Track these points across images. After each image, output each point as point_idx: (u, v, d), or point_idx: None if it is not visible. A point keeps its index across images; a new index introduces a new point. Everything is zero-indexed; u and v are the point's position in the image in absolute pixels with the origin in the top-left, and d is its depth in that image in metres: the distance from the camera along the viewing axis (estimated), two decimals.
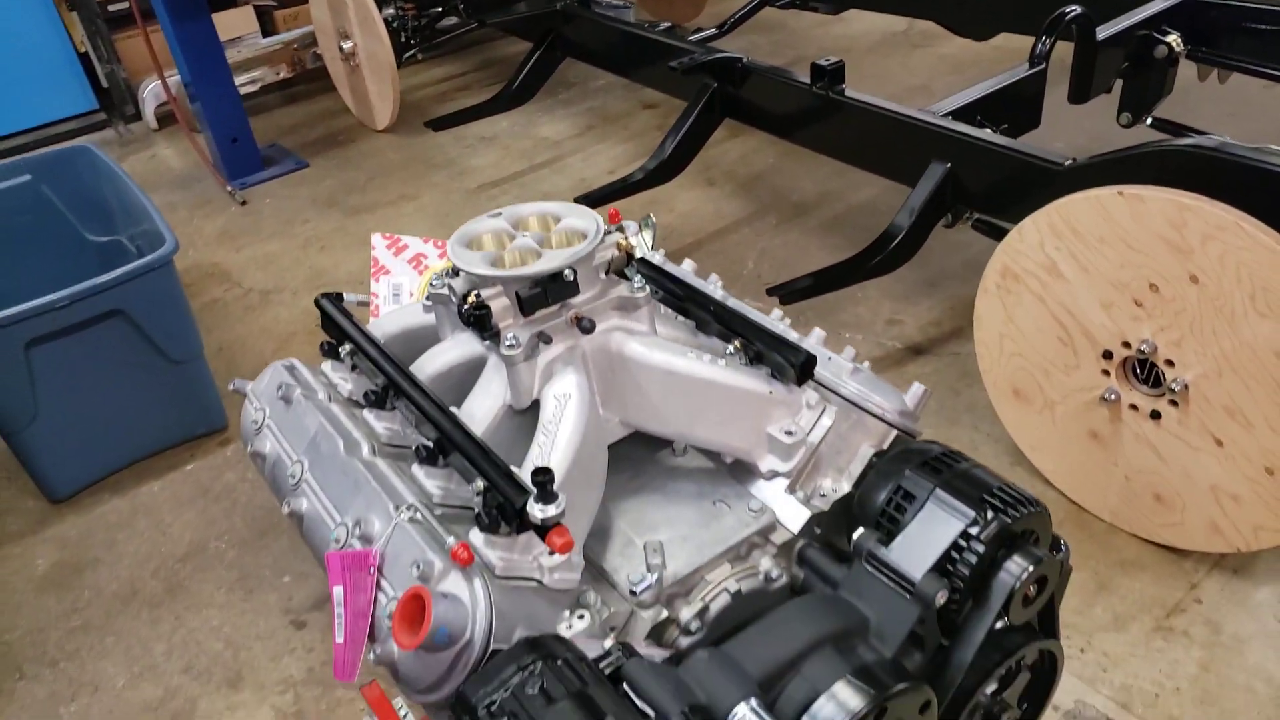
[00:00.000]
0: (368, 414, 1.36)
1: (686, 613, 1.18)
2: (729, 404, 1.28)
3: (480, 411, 1.28)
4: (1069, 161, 2.32)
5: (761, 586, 1.22)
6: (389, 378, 1.32)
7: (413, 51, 4.74)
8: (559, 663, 0.99)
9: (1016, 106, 2.83)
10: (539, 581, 1.12)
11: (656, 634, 1.17)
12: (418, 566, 1.10)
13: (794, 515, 1.25)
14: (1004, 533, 1.10)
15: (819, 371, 1.33)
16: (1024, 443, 2.35)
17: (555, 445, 1.17)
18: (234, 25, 4.85)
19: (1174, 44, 2.79)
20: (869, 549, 1.13)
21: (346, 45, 4.43)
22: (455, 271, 1.33)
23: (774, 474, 1.28)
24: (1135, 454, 2.11)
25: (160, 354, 2.66)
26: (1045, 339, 2.17)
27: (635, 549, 1.22)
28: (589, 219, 1.33)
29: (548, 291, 1.24)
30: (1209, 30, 2.93)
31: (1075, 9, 2.60)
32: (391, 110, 4.44)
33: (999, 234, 2.30)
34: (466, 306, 1.24)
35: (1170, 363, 1.97)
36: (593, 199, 3.30)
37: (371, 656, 1.13)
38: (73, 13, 4.71)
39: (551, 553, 1.11)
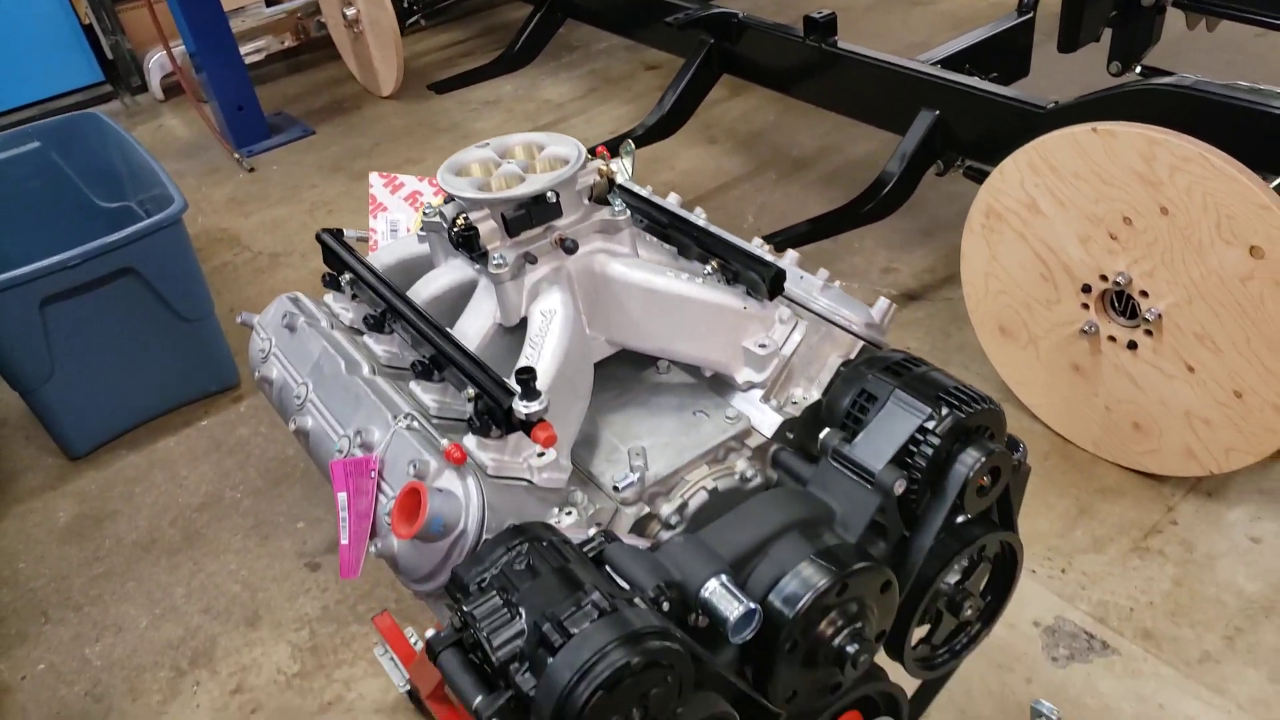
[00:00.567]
0: (368, 338, 1.44)
1: (667, 508, 1.26)
2: (707, 319, 1.35)
3: (472, 330, 1.36)
4: (1051, 104, 2.38)
5: (738, 485, 1.30)
6: (387, 302, 1.39)
7: (416, 18, 4.79)
8: (544, 544, 1.07)
9: (1005, 54, 2.88)
10: (529, 481, 1.20)
11: (639, 528, 1.25)
12: (414, 466, 1.18)
13: (767, 421, 1.33)
14: (958, 427, 1.17)
15: (792, 289, 1.41)
16: (1010, 379, 2.42)
17: (541, 356, 1.25)
18: None
19: None
20: (833, 446, 1.20)
21: (350, 12, 4.47)
22: (448, 200, 1.41)
23: (750, 385, 1.36)
24: (1115, 384, 2.17)
25: (172, 312, 2.71)
26: (1028, 275, 2.24)
27: (620, 455, 1.30)
28: (571, 146, 1.40)
29: (532, 213, 1.31)
30: None
31: None
32: (396, 77, 4.49)
33: None
34: (456, 229, 1.32)
35: (1144, 293, 2.04)
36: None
37: (373, 550, 1.22)
38: None
39: (541, 454, 1.19)
